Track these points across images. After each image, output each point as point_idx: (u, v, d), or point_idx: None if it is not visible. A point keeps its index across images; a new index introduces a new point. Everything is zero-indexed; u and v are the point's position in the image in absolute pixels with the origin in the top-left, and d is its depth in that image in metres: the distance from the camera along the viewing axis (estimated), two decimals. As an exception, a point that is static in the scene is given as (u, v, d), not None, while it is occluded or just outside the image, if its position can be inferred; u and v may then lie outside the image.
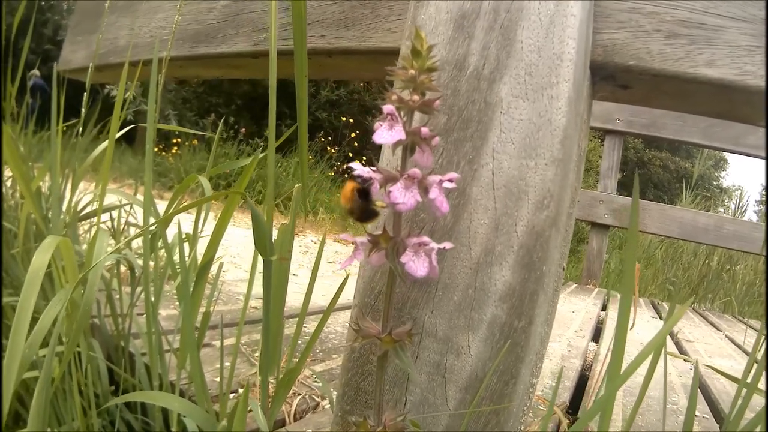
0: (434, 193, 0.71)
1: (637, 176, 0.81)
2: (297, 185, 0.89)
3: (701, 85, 0.97)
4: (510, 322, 0.88)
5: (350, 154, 14.24)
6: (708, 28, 0.95)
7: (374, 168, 0.75)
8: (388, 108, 0.70)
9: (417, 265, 0.70)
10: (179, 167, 11.11)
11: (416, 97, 0.73)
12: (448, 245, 0.72)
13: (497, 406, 0.89)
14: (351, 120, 15.20)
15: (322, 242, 1.16)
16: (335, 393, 1.30)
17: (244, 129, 12.81)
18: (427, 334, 0.90)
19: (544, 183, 0.88)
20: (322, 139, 13.48)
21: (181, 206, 1.01)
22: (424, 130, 0.72)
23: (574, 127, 0.93)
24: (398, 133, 0.70)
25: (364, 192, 0.75)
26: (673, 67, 0.96)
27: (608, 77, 1.04)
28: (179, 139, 12.42)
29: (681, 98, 1.12)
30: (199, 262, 1.30)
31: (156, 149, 10.39)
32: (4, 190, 1.89)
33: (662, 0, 0.97)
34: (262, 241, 0.88)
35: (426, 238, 0.71)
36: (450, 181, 0.71)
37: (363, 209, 0.77)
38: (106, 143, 1.60)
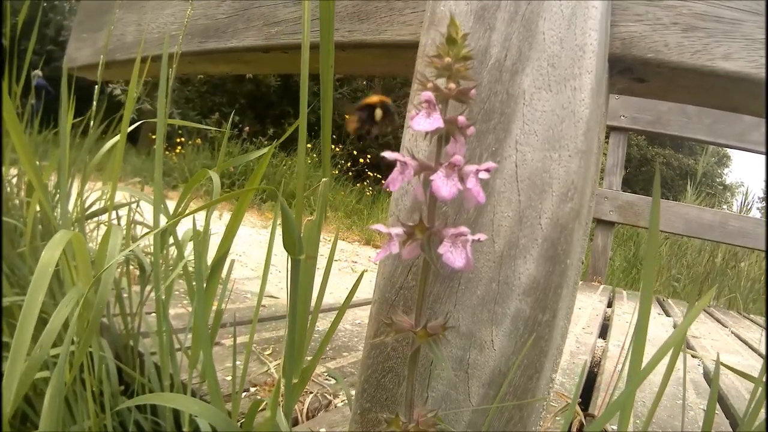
0: (471, 183, 0.70)
1: (658, 176, 0.79)
2: (324, 179, 0.87)
3: (718, 78, 0.97)
4: (534, 315, 0.87)
5: (354, 152, 14.25)
6: (725, 21, 0.95)
7: (410, 156, 0.74)
8: (426, 95, 0.69)
9: (455, 256, 0.69)
10: (183, 166, 11.13)
11: (452, 86, 0.72)
12: (482, 237, 0.71)
13: (522, 401, 0.89)
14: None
15: (335, 240, 1.15)
16: (350, 390, 1.29)
17: (248, 128, 12.83)
18: (452, 327, 0.89)
19: (568, 175, 0.87)
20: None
21: (202, 205, 1.00)
22: (461, 119, 0.71)
23: (596, 119, 0.92)
24: (437, 121, 0.69)
25: (388, 109, 0.74)
26: (691, 60, 0.96)
27: (626, 70, 1.04)
28: (183, 139, 12.44)
29: (697, 91, 1.12)
30: (210, 259, 1.29)
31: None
32: (8, 188, 1.89)
33: (681, -8, 0.97)
34: (291, 240, 0.86)
35: (464, 229, 0.69)
36: (487, 170, 0.70)
37: (368, 124, 0.75)
38: (114, 139, 1.60)
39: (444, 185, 0.68)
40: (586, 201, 0.92)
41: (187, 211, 1.04)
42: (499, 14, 0.91)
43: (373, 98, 0.75)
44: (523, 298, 0.87)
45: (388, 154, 0.73)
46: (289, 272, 0.90)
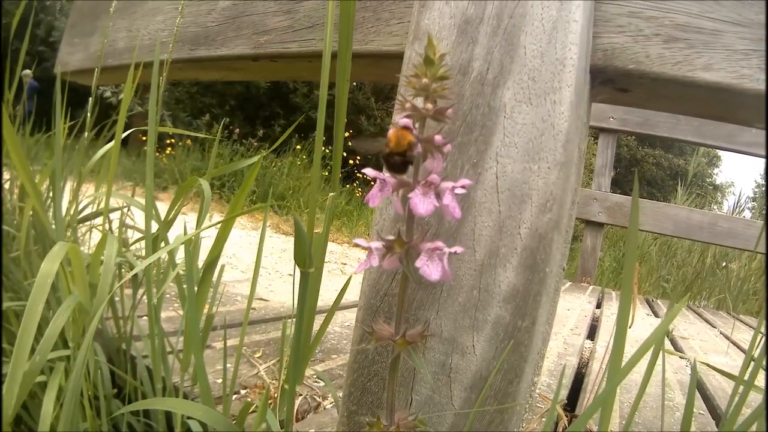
0: (447, 199, 0.73)
1: (636, 176, 0.82)
2: (331, 194, 0.89)
3: (699, 89, 0.98)
4: (514, 322, 0.90)
5: (344, 154, 14.22)
6: (706, 32, 0.96)
7: (389, 173, 0.76)
8: (404, 122, 0.72)
9: (431, 269, 0.72)
10: (173, 168, 11.10)
11: (429, 106, 0.74)
12: (459, 249, 0.74)
13: (502, 405, 0.91)
14: (344, 119, 15.16)
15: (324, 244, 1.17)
16: (339, 393, 1.31)
17: (237, 129, 12.80)
18: (433, 334, 0.91)
19: (547, 186, 0.89)
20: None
21: (198, 230, 1.01)
22: (438, 138, 0.73)
23: (576, 130, 0.94)
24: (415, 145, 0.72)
25: (413, 146, 0.75)
26: (672, 70, 0.97)
27: (608, 81, 1.05)
28: (173, 140, 12.39)
29: (679, 101, 1.13)
30: (201, 262, 1.31)
31: (149, 149, 10.33)
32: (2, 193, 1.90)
33: (661, 4, 0.98)
34: (301, 253, 0.88)
35: (439, 243, 0.72)
36: (462, 187, 0.73)
37: (407, 161, 0.77)
38: (108, 146, 1.61)
39: (421, 203, 0.71)
40: (565, 211, 0.93)
41: (189, 227, 1.05)
42: (482, 28, 0.92)
43: (400, 140, 0.76)
44: (503, 305, 0.89)
45: (368, 172, 0.76)
46: (298, 283, 0.92)
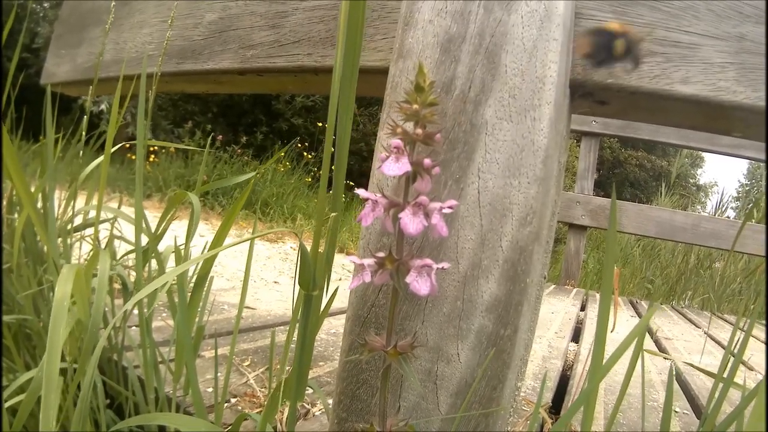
0: (435, 219, 0.78)
1: (614, 185, 0.85)
2: (333, 214, 0.91)
3: (676, 102, 1.00)
4: (496, 331, 0.92)
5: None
6: (683, 45, 0.99)
7: (381, 194, 0.80)
8: (396, 143, 0.76)
9: (420, 285, 0.76)
10: (157, 175, 11.05)
11: (419, 131, 0.78)
12: (446, 265, 0.78)
13: (486, 410, 0.93)
14: (327, 126, 15.10)
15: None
16: (327, 400, 1.33)
17: (221, 136, 12.75)
18: (420, 344, 0.94)
19: (527, 200, 0.92)
20: (299, 145, 13.41)
21: (229, 244, 1.03)
22: (427, 161, 0.78)
23: (555, 145, 0.96)
24: (405, 166, 0.76)
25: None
26: (650, 84, 1.00)
27: (587, 94, 1.07)
28: (155, 148, 12.33)
29: (657, 113, 1.16)
30: (190, 274, 1.33)
31: (132, 157, 10.33)
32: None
33: (638, 19, 1.01)
34: (306, 276, 0.90)
35: (429, 260, 0.76)
36: (450, 207, 0.77)
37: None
38: (98, 160, 1.63)
39: (411, 222, 0.75)
40: (545, 223, 0.96)
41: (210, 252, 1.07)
42: (465, 47, 0.95)
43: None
44: (486, 315, 0.92)
45: (361, 193, 0.80)
46: (302, 305, 0.94)
